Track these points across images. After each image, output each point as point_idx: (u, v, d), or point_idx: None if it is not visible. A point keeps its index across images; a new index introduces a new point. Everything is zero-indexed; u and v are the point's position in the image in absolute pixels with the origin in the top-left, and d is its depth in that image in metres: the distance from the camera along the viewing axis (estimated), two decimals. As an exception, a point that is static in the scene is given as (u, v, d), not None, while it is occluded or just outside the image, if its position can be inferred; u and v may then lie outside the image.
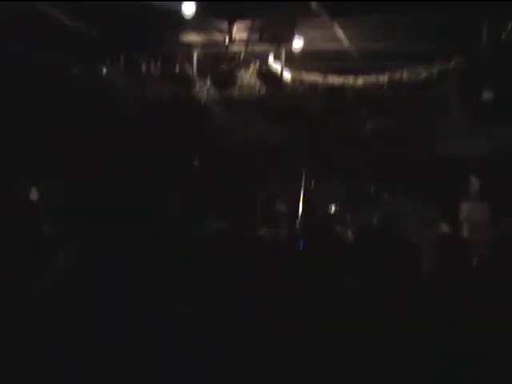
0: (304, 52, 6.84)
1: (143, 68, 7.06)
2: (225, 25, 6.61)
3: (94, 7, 5.89)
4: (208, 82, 7.60)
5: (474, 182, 6.42)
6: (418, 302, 5.27)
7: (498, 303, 5.23)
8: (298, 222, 8.06)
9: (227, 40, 6.72)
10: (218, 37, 6.99)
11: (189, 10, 6.03)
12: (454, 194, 6.54)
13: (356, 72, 7.17)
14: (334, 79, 7.32)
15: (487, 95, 6.09)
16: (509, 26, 5.37)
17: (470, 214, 6.20)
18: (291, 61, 7.24)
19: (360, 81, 7.16)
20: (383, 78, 6.95)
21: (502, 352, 3.68)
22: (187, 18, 6.12)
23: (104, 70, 6.84)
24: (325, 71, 7.34)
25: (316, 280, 6.82)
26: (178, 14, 6.04)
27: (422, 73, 6.56)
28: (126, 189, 7.20)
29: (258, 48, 7.05)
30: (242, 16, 6.46)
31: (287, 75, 7.45)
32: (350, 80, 7.23)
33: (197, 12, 6.04)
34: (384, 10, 5.69)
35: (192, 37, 7.09)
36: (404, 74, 6.73)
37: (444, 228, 6.37)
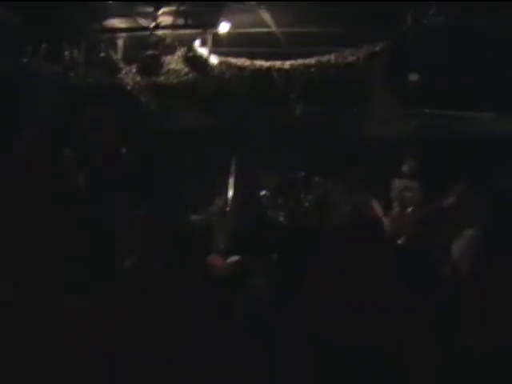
0: (231, 37, 6.79)
1: (66, 55, 6.76)
2: (150, 10, 6.47)
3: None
4: (133, 69, 7.39)
5: (405, 163, 6.62)
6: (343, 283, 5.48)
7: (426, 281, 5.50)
8: (229, 207, 8.04)
9: (153, 25, 6.58)
10: (143, 22, 6.83)
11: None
12: (385, 174, 6.73)
13: (284, 57, 7.18)
14: (262, 64, 7.31)
15: (412, 77, 6.28)
16: (430, 10, 5.58)
17: (402, 192, 6.44)
18: (218, 46, 7.17)
19: (287, 65, 7.18)
20: (310, 62, 7.01)
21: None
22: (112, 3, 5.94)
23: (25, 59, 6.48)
24: (252, 56, 7.32)
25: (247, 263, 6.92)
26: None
27: (349, 56, 6.66)
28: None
29: (184, 33, 6.94)
30: (167, 1, 6.33)
31: (214, 60, 7.36)
32: (277, 64, 7.24)
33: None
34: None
35: (117, 22, 6.88)
36: (331, 58, 6.81)
37: (376, 207, 6.59)
